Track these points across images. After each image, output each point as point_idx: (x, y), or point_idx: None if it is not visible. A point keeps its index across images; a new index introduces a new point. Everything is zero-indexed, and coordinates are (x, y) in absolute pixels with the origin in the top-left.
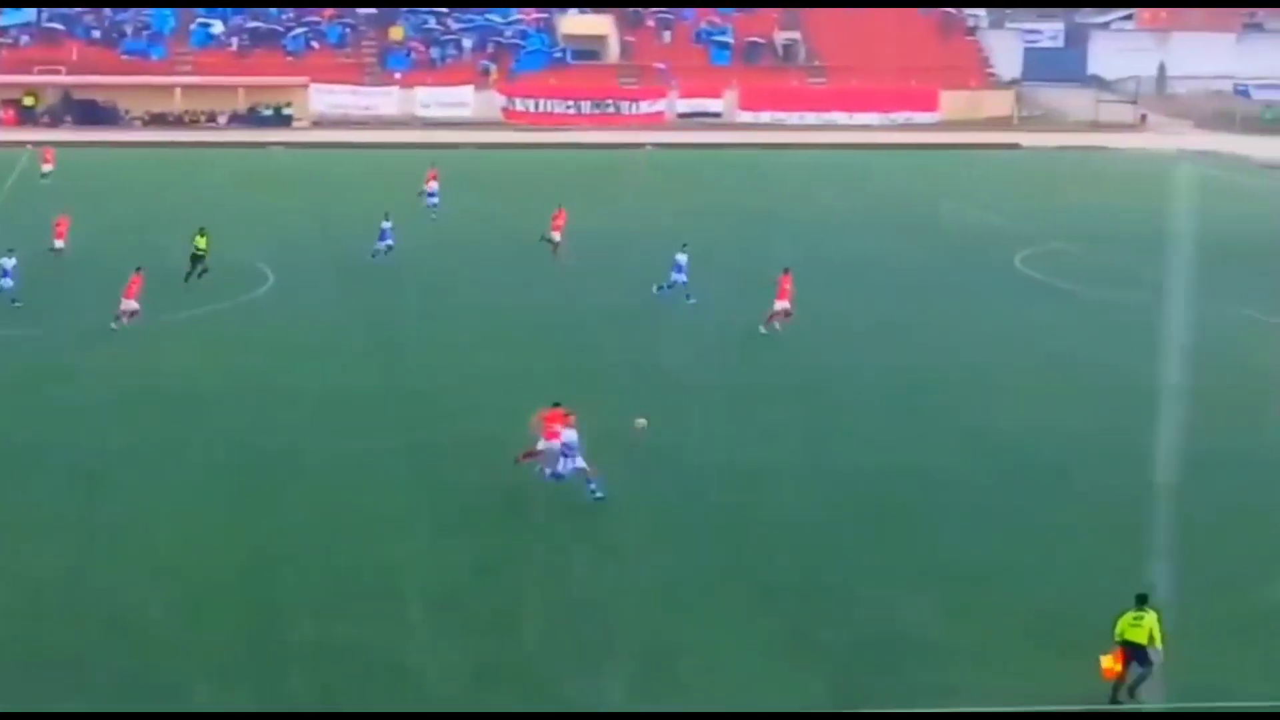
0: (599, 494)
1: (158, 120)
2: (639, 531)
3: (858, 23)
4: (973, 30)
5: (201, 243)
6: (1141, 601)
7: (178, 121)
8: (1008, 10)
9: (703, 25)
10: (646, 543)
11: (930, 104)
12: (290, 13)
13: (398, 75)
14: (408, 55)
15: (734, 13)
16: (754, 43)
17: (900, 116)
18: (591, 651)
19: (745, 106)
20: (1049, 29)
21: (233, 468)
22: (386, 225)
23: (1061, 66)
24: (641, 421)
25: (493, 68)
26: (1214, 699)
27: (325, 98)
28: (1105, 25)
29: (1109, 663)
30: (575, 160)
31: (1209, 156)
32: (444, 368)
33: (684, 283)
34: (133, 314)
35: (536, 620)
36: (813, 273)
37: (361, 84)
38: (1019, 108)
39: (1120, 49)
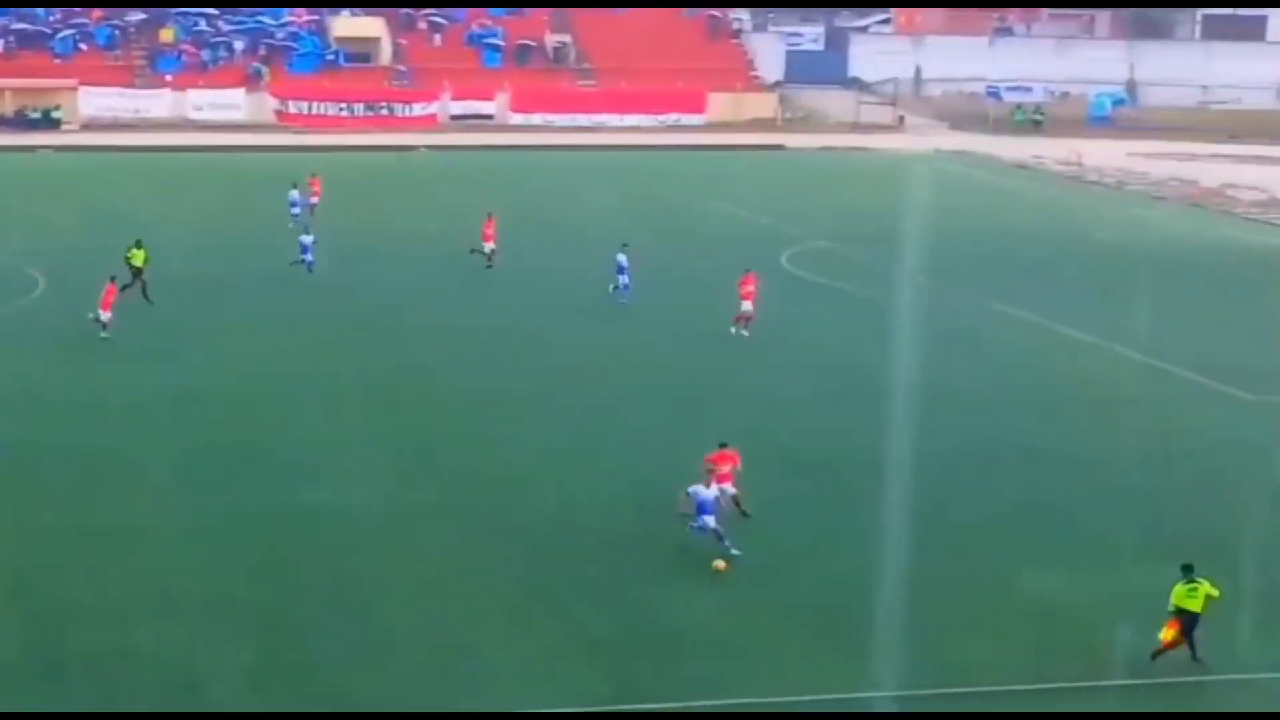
0: (734, 550)
1: None
2: (411, 533)
3: (627, 26)
4: (737, 33)
5: (138, 257)
6: (1188, 571)
7: None
8: (770, 13)
9: (474, 28)
10: (419, 544)
11: (698, 106)
12: (58, 14)
13: (169, 77)
14: (178, 57)
15: (505, 15)
16: (525, 45)
17: (669, 118)
18: (371, 653)
19: (517, 108)
20: (810, 32)
21: (6, 474)
22: (307, 240)
23: (823, 69)
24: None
25: (265, 70)
26: (970, 683)
27: (95, 100)
28: (864, 29)
29: (1166, 633)
30: (353, 162)
31: (963, 156)
32: (222, 372)
33: (627, 283)
34: (104, 323)
35: (314, 623)
36: (581, 273)
37: (132, 86)
38: (782, 109)
39: (878, 52)
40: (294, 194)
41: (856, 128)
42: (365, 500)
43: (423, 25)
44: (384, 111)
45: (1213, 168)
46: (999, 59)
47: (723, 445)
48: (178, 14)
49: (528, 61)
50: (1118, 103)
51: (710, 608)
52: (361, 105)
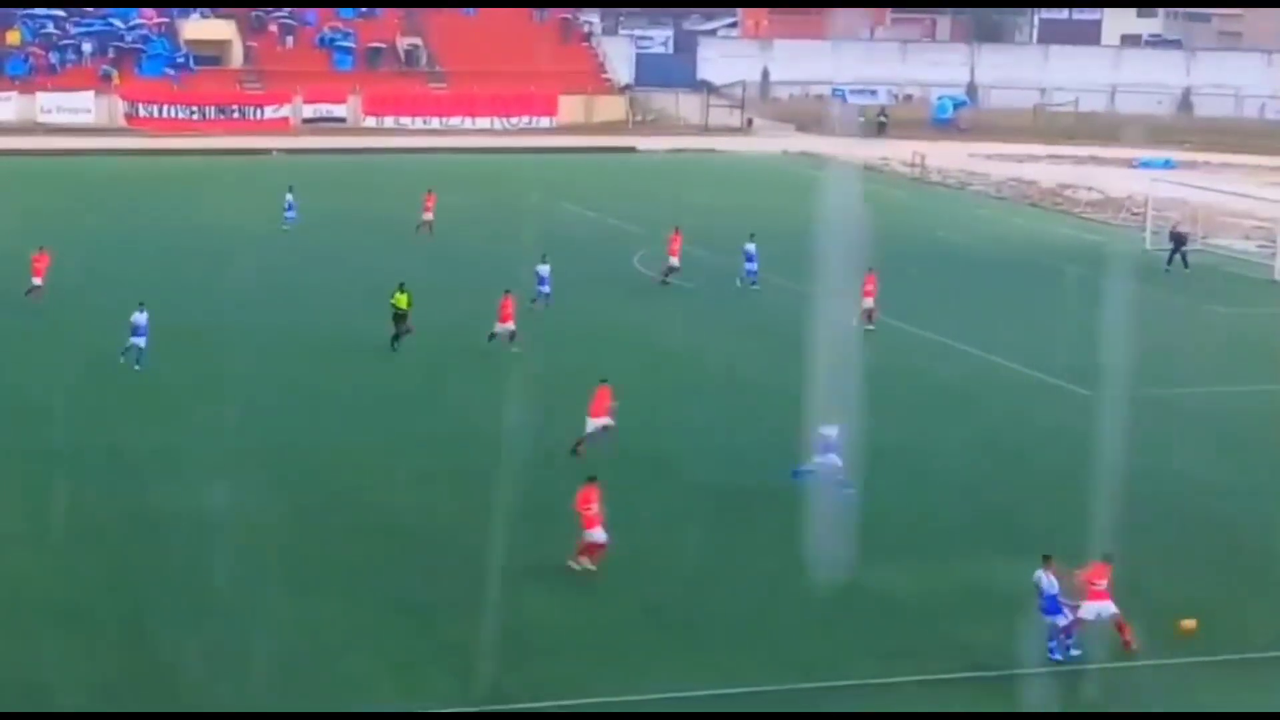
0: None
1: None
2: (266, 537)
3: (478, 28)
4: (588, 36)
5: (402, 300)
6: None
7: None
8: (620, 15)
9: (325, 30)
10: (276, 547)
11: (549, 109)
12: None
13: (16, 80)
14: (26, 60)
15: (356, 17)
16: (376, 48)
17: (520, 121)
18: (227, 658)
19: (369, 111)
20: (659, 35)
21: None
22: (544, 270)
23: (672, 72)
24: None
25: (114, 73)
26: (816, 679)
27: None
28: (712, 32)
29: None
30: (208, 165)
31: (810, 158)
32: (66, 377)
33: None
34: (512, 335)
35: (166, 630)
36: (430, 275)
37: None
38: (633, 112)
39: (726, 55)
40: (289, 198)
41: (706, 130)
42: (215, 506)
43: (273, 28)
44: (235, 115)
45: (1051, 168)
46: (843, 62)
47: (1106, 558)
48: (24, 15)
49: (379, 64)
50: (959, 105)
51: (561, 609)
52: (213, 108)
